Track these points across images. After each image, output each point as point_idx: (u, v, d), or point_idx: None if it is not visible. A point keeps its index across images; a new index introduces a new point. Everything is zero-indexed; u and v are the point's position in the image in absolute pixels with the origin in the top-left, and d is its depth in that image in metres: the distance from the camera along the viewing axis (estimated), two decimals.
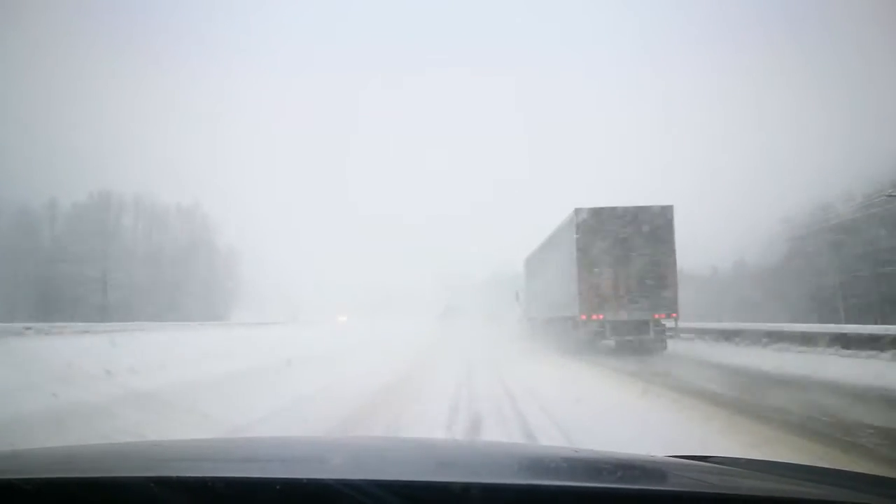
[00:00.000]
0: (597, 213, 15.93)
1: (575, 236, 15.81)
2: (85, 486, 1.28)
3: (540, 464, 1.72)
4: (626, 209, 15.90)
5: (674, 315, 15.59)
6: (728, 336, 18.12)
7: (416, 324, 37.20)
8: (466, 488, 1.21)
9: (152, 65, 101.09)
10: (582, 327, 15.65)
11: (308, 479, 1.26)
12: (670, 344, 16.05)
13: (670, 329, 15.93)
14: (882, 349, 12.13)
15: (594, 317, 15.61)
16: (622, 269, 15.64)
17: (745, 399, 8.08)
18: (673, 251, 15.69)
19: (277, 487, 1.23)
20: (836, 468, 2.07)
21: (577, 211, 15.93)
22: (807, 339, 14.67)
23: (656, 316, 15.59)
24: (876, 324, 20.18)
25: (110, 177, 47.22)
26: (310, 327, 28.15)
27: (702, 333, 19.26)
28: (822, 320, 19.13)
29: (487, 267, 79.44)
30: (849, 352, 12.87)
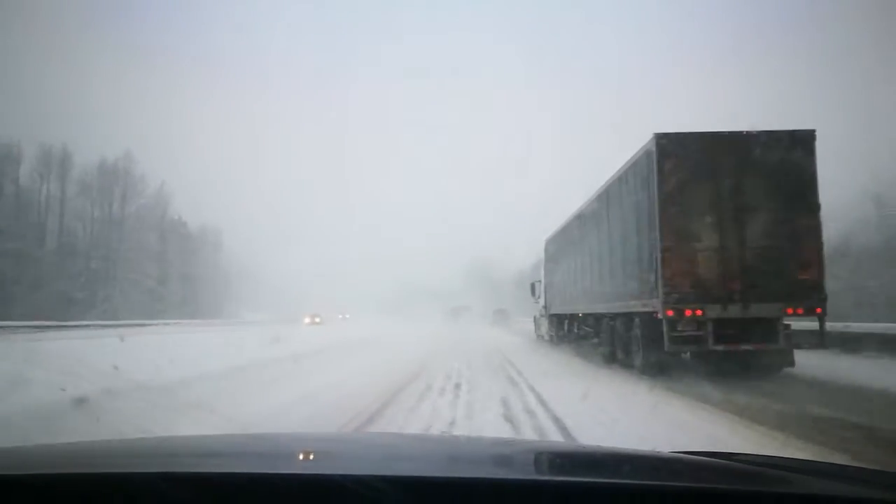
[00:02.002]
0: (690, 140, 9.66)
1: (656, 178, 9.51)
2: (92, 482, 1.24)
3: (547, 459, 1.74)
4: (738, 135, 9.65)
5: (818, 310, 9.36)
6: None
7: (417, 325, 33.89)
8: (475, 483, 1.21)
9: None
10: (668, 329, 9.37)
11: (315, 475, 1.29)
12: (807, 360, 9.81)
13: (811, 333, 9.72)
14: None
15: (688, 312, 9.34)
16: (733, 234, 9.41)
17: None
18: (816, 204, 9.46)
19: (284, 483, 1.20)
20: (839, 463, 1.80)
21: (659, 138, 9.62)
22: None
23: (790, 311, 9.35)
24: None
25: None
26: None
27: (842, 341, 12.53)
28: None
29: (509, 265, 74.75)
30: None
